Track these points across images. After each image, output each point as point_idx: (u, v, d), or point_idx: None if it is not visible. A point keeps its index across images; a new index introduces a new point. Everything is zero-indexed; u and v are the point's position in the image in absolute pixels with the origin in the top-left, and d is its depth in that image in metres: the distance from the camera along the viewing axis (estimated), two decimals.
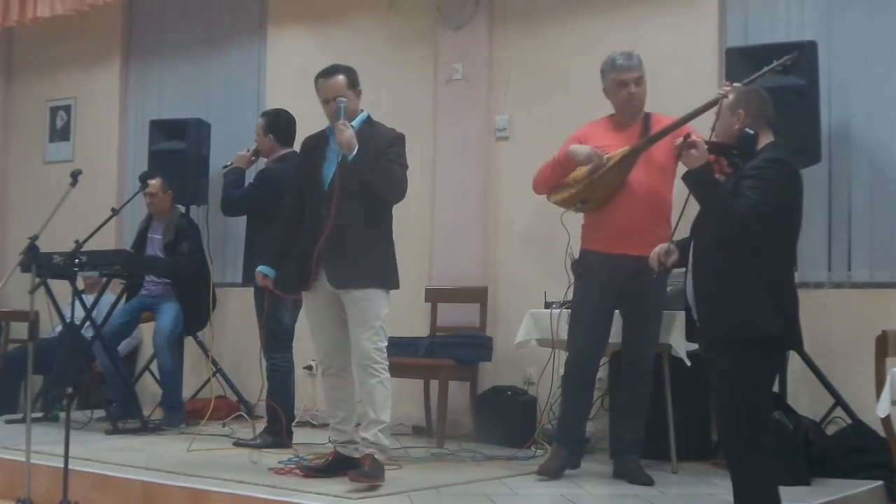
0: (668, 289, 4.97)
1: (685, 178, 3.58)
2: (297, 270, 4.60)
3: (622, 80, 4.74)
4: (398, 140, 4.61)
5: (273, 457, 5.06)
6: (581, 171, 4.73)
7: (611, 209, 4.70)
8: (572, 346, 4.80)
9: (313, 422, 6.46)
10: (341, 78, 4.60)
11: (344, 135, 4.43)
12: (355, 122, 4.57)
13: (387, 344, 4.51)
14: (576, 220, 4.94)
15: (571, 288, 5.03)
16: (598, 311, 4.73)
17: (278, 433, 5.47)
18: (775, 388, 4.97)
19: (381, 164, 4.47)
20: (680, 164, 4.21)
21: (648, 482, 4.60)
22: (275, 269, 4.72)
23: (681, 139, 3.60)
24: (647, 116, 4.84)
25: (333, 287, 4.50)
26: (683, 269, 3.74)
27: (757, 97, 3.65)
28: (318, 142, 4.70)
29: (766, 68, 4.59)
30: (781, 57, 4.99)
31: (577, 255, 4.92)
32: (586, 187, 4.69)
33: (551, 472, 4.68)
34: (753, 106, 3.60)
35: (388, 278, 4.57)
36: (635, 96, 4.76)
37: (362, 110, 4.67)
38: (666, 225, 4.70)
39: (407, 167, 4.62)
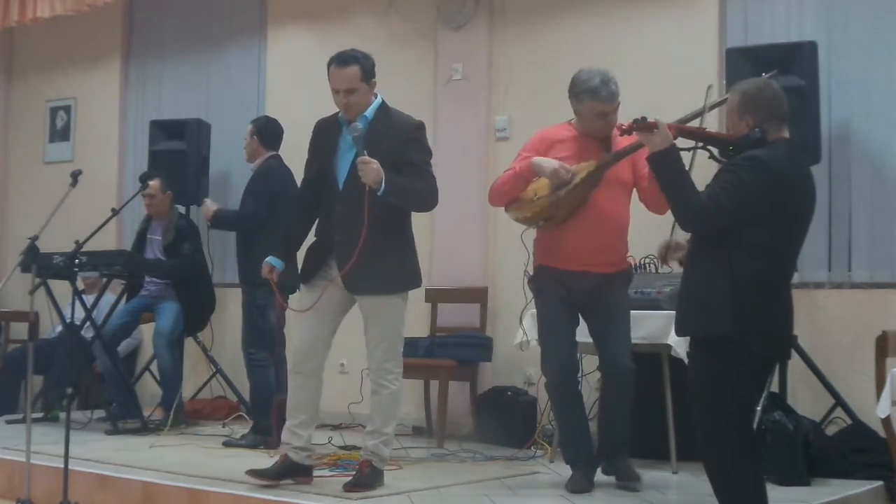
0: (668, 289, 4.97)
1: (650, 159, 3.51)
2: (311, 262, 4.43)
3: (603, 112, 4.51)
4: (418, 130, 4.41)
5: (264, 457, 5.04)
6: (542, 185, 4.51)
7: (572, 226, 4.50)
8: (550, 367, 4.60)
9: None
10: (356, 69, 4.31)
11: (368, 174, 4.17)
12: (369, 112, 4.35)
13: (402, 347, 4.42)
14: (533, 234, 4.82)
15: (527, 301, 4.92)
16: (564, 327, 4.59)
17: (264, 431, 5.46)
18: (775, 388, 5.00)
19: (408, 188, 4.28)
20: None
21: (635, 478, 4.53)
22: (285, 262, 4.52)
23: (639, 118, 3.54)
24: None
25: (350, 292, 4.35)
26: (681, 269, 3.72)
27: (765, 100, 3.48)
28: (331, 128, 4.46)
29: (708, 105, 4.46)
30: (780, 56, 5.02)
31: (531, 272, 4.75)
32: (552, 205, 4.46)
33: (581, 489, 4.47)
34: (763, 109, 3.45)
35: (408, 280, 4.45)
36: (612, 125, 4.53)
37: (376, 96, 4.42)
38: (624, 241, 4.64)
39: (431, 155, 4.45)
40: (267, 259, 4.50)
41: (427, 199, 4.43)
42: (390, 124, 4.36)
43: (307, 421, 4.43)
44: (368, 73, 4.37)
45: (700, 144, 3.76)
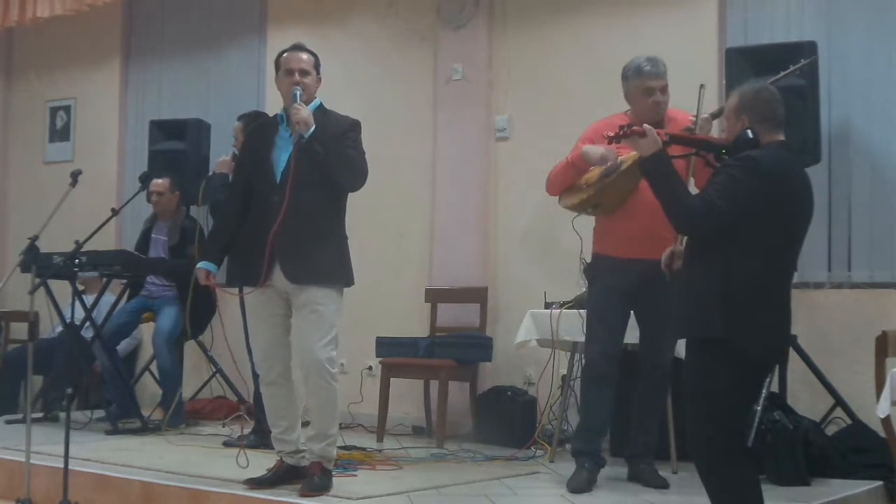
0: None
1: (641, 166, 3.56)
2: (249, 264, 4.33)
3: (649, 88, 4.57)
4: (354, 126, 4.43)
5: (262, 457, 5.03)
6: (594, 174, 4.61)
7: (623, 214, 4.59)
8: (590, 351, 4.68)
9: None
10: (310, 56, 4.44)
11: (300, 113, 4.23)
12: (309, 108, 4.37)
13: (336, 353, 4.31)
14: (587, 223, 4.86)
15: (579, 290, 5.00)
16: (612, 315, 4.65)
17: (265, 433, 5.46)
18: (775, 388, 4.99)
19: (338, 148, 4.29)
20: (691, 167, 4.25)
21: (663, 485, 4.55)
22: (218, 264, 4.48)
23: (623, 127, 3.59)
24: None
25: (291, 282, 4.25)
26: None
27: (761, 101, 3.50)
28: (267, 128, 4.48)
29: (782, 73, 4.56)
30: (780, 57, 5.02)
31: (588, 260, 4.82)
32: (598, 192, 4.56)
33: (582, 488, 4.50)
34: (759, 111, 3.48)
35: (345, 275, 4.38)
36: (661, 105, 4.61)
37: (315, 98, 4.45)
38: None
39: (364, 154, 4.43)
40: (200, 265, 4.47)
41: (354, 166, 4.35)
42: (328, 121, 4.39)
43: (290, 426, 4.43)
44: (318, 67, 4.48)
45: (693, 151, 3.78)
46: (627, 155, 4.49)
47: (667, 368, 4.70)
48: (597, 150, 4.55)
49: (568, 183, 4.72)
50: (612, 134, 3.76)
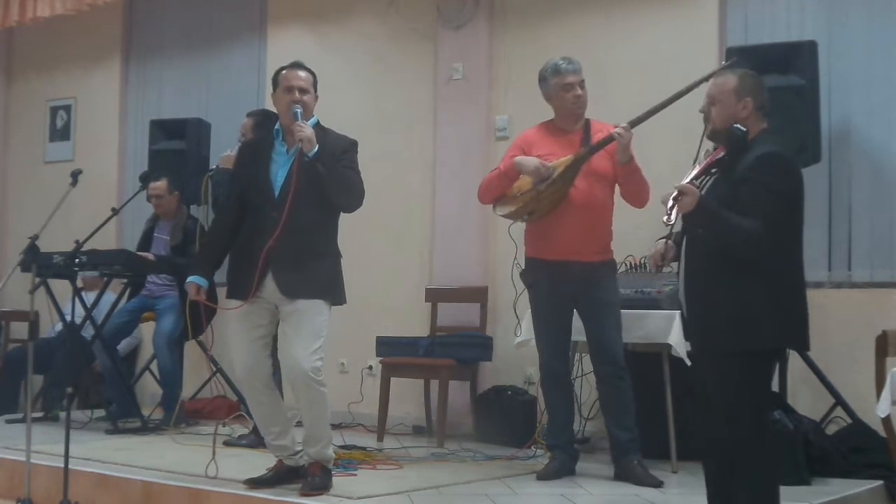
0: (668, 288, 4.98)
1: (691, 221, 3.35)
2: (241, 277, 4.34)
3: (568, 83, 4.76)
4: (352, 146, 4.45)
5: (262, 457, 5.03)
6: (525, 182, 4.74)
7: (555, 218, 4.73)
8: (539, 354, 4.89)
9: None
10: (310, 75, 4.44)
11: (304, 132, 4.23)
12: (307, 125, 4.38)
13: (322, 363, 4.29)
14: (521, 228, 4.97)
15: (516, 293, 5.12)
16: (555, 316, 4.82)
17: None
18: (775, 388, 4.99)
19: (339, 170, 4.31)
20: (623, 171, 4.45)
21: (656, 484, 4.56)
22: (209, 279, 4.49)
23: (670, 199, 3.44)
24: (588, 123, 4.87)
25: (284, 295, 4.25)
26: (677, 269, 3.68)
27: (761, 86, 3.49)
28: (262, 145, 4.49)
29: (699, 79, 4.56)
30: (781, 56, 5.03)
31: (522, 265, 4.94)
32: (533, 199, 4.71)
33: (548, 476, 4.70)
34: (761, 95, 3.46)
35: (338, 292, 4.40)
36: (581, 99, 4.79)
37: (313, 116, 4.45)
38: (608, 230, 4.85)
39: (360, 174, 4.44)
40: (191, 279, 4.45)
41: (353, 188, 4.37)
42: (326, 139, 4.39)
43: (282, 430, 4.43)
44: (315, 85, 4.48)
45: (707, 177, 3.73)
46: (558, 161, 4.67)
47: (621, 362, 4.74)
48: (530, 161, 4.71)
49: (501, 192, 4.88)
50: (666, 218, 3.44)
